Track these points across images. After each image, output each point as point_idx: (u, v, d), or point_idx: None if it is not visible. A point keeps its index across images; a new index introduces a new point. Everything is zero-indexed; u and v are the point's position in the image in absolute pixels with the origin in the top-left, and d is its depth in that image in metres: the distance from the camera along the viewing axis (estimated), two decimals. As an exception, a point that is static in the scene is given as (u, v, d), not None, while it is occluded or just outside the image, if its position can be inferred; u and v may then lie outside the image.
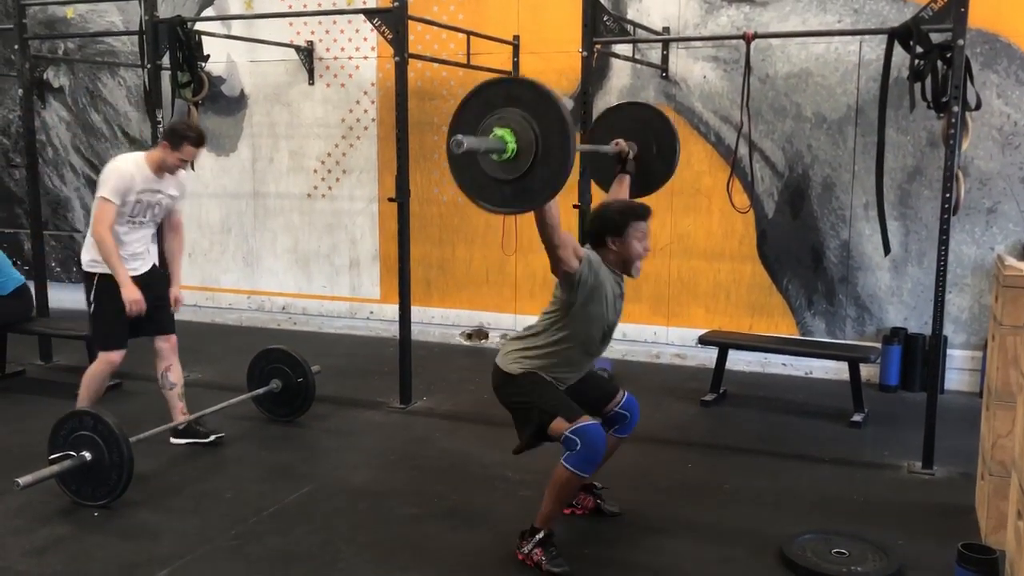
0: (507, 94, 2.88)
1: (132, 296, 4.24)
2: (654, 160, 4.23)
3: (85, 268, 4.43)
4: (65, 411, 3.94)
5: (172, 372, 4.61)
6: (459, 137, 2.69)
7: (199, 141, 4.37)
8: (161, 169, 4.37)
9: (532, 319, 6.53)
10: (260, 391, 4.96)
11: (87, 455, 3.79)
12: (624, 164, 4.08)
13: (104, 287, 4.35)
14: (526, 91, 2.87)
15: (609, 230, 3.39)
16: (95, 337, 4.51)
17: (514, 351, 3.47)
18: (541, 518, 3.34)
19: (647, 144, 4.21)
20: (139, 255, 4.48)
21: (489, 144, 2.80)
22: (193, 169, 6.76)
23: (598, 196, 4.71)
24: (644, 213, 3.44)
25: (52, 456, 3.82)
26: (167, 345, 4.61)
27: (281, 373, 5.00)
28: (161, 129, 5.63)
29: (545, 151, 2.80)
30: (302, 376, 5.01)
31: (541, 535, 3.33)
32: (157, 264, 4.72)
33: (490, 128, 2.84)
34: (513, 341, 3.55)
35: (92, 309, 4.43)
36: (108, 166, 4.32)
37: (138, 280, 4.35)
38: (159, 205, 4.47)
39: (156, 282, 4.54)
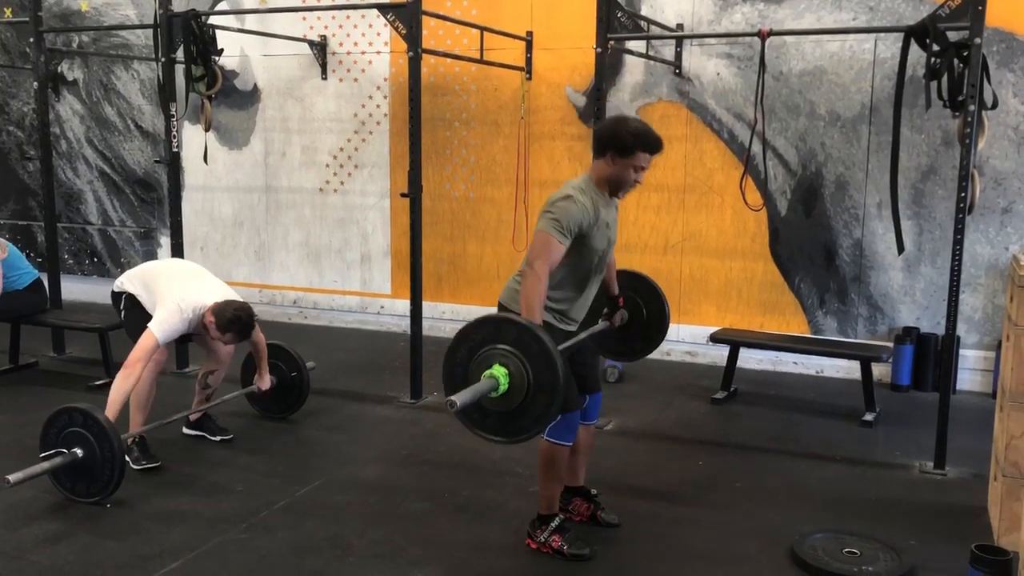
0: (498, 331, 2.92)
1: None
2: (644, 327, 3.97)
3: (115, 288, 4.54)
4: (75, 403, 3.95)
5: (214, 376, 4.66)
6: (452, 399, 2.76)
7: (242, 336, 4.28)
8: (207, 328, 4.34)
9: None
10: (253, 388, 4.85)
11: (78, 452, 3.76)
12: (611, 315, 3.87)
13: (132, 302, 4.45)
14: (515, 330, 2.90)
15: (615, 146, 3.26)
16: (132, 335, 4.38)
17: (517, 287, 3.38)
18: (544, 502, 3.38)
19: (637, 311, 3.95)
20: None
21: (481, 389, 2.85)
22: (206, 163, 6.84)
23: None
24: (655, 146, 3.29)
25: (43, 454, 3.80)
26: (225, 350, 4.62)
27: (276, 369, 4.92)
28: (175, 123, 5.66)
29: (537, 384, 2.86)
30: (296, 371, 4.96)
31: (556, 522, 3.36)
32: None
33: (485, 364, 2.90)
34: (516, 278, 3.46)
35: (125, 315, 4.50)
36: (170, 307, 4.18)
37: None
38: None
39: None
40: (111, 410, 3.90)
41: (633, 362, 4.25)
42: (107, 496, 3.80)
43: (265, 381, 4.77)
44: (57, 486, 3.86)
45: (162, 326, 4.13)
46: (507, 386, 2.85)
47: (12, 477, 3.56)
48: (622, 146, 3.25)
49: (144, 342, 4.09)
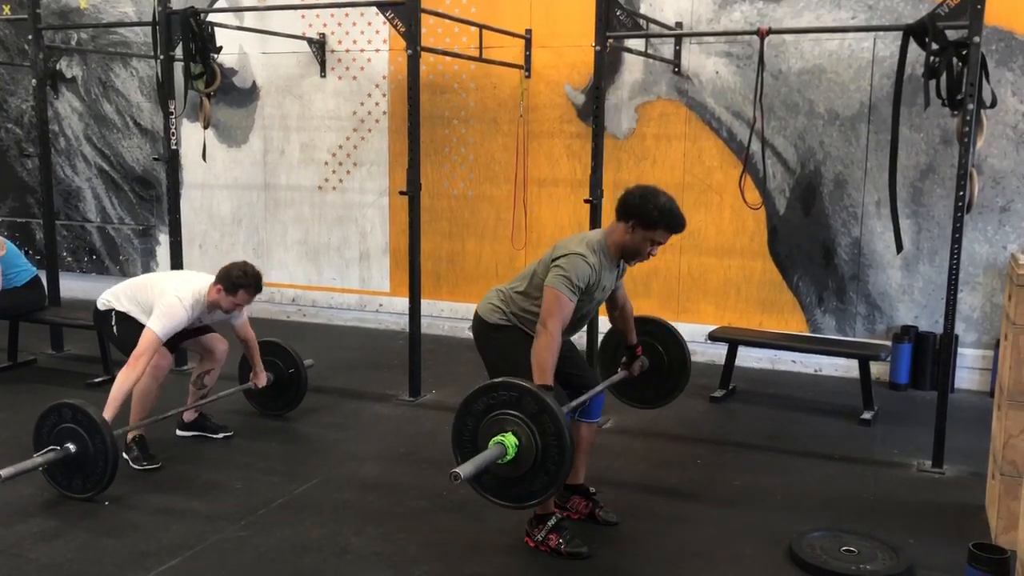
0: (514, 399, 2.96)
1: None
2: (665, 376, 4.03)
3: (99, 307, 4.45)
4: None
5: (209, 376, 4.63)
6: (456, 471, 2.80)
7: (256, 288, 4.28)
8: (215, 308, 4.31)
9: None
10: (249, 385, 4.84)
11: (71, 447, 3.74)
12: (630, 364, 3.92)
13: (123, 317, 4.37)
14: (535, 403, 2.93)
15: (639, 218, 3.32)
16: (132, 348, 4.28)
17: (499, 304, 3.49)
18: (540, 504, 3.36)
19: (658, 357, 4.01)
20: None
21: (488, 457, 2.89)
22: (205, 160, 6.83)
23: (609, 191, 4.71)
24: (678, 227, 3.39)
25: (37, 453, 3.78)
26: (222, 347, 4.61)
27: (273, 367, 4.90)
28: (173, 120, 5.66)
29: (545, 454, 2.90)
30: (293, 367, 4.94)
31: (553, 521, 3.36)
32: None
33: (497, 428, 2.94)
34: (498, 292, 3.54)
35: (117, 332, 4.40)
36: (168, 301, 4.15)
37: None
38: (211, 317, 4.43)
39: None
40: (111, 406, 3.87)
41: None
42: (101, 491, 3.78)
43: (261, 378, 4.76)
44: (52, 483, 3.86)
45: (162, 320, 4.09)
46: (513, 456, 2.91)
47: (4, 472, 3.54)
48: (648, 220, 3.32)
49: (146, 337, 4.05)
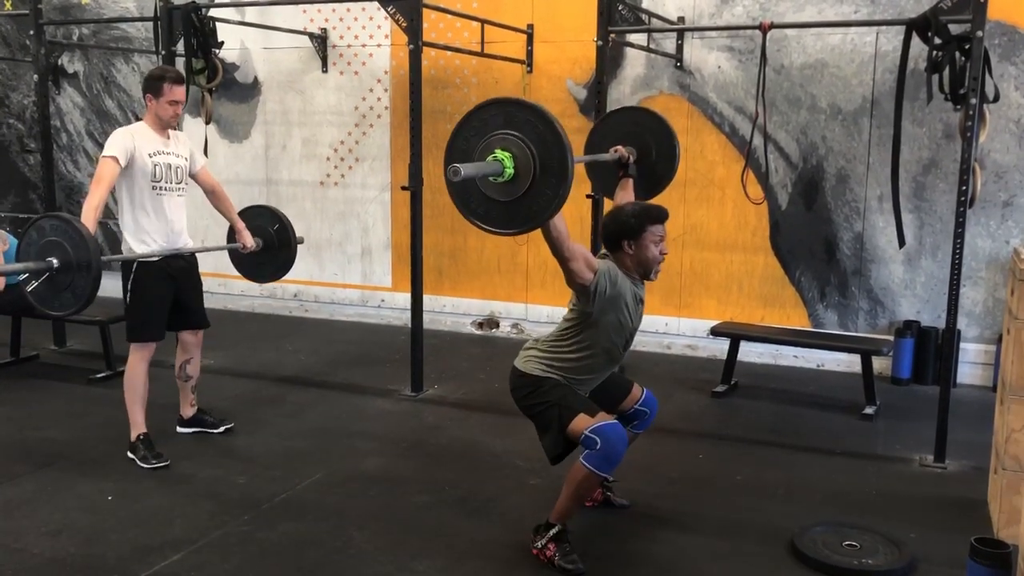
0: (504, 116, 2.86)
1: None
2: (655, 162, 4.16)
3: (125, 254, 4.29)
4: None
5: (191, 365, 4.58)
6: (455, 166, 2.70)
7: (177, 77, 4.22)
8: (161, 124, 4.25)
9: (543, 308, 6.56)
10: (237, 245, 4.71)
11: (54, 261, 3.67)
12: (626, 168, 4.02)
13: (142, 276, 4.25)
14: (523, 112, 2.84)
15: (625, 234, 3.31)
16: (130, 328, 4.31)
17: (535, 355, 3.40)
18: (556, 513, 3.30)
19: (646, 147, 4.14)
20: (181, 231, 4.36)
21: (486, 168, 2.79)
22: (206, 155, 6.81)
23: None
24: (660, 216, 3.35)
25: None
26: (194, 339, 4.56)
27: (260, 231, 4.77)
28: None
29: (543, 170, 2.79)
30: (278, 223, 4.82)
31: (555, 530, 3.28)
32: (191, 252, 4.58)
33: (488, 150, 2.84)
34: (534, 344, 3.47)
35: (128, 299, 4.29)
36: (109, 137, 4.18)
37: (171, 266, 4.30)
38: (180, 169, 4.33)
39: (190, 274, 4.46)
40: (85, 219, 3.84)
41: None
42: (81, 308, 3.73)
43: (245, 237, 4.66)
44: (41, 305, 3.83)
45: (110, 147, 4.07)
46: (512, 170, 2.80)
47: None
48: (630, 231, 3.31)
49: (100, 168, 4.05)
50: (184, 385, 4.61)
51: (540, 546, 3.32)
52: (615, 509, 3.78)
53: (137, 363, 4.28)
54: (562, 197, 2.80)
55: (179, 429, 4.65)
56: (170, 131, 4.34)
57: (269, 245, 4.82)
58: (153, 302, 4.27)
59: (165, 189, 4.27)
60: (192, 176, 4.47)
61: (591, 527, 3.59)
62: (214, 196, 4.62)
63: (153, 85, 4.19)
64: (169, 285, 4.32)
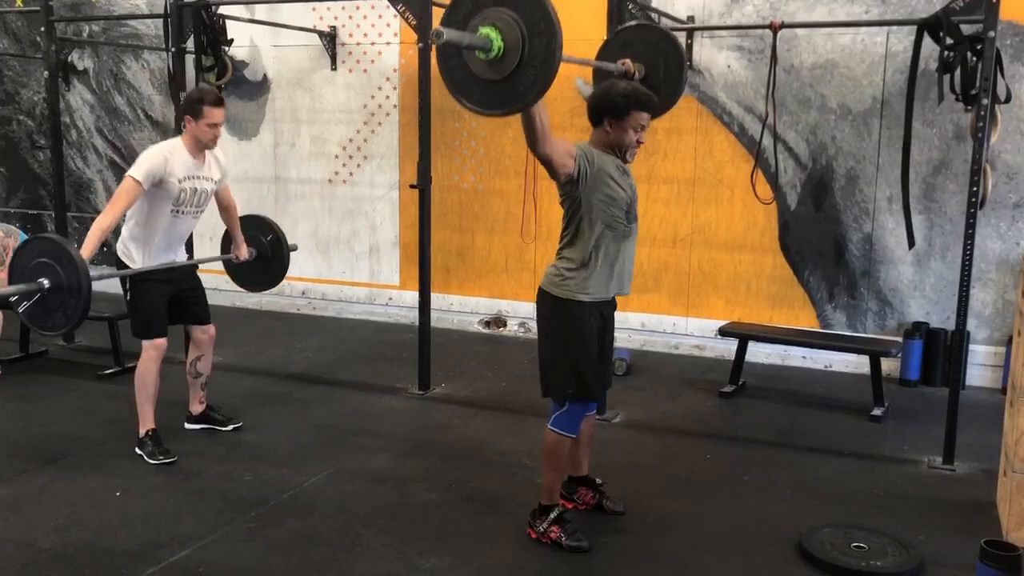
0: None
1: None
2: (661, 83, 4.09)
3: (121, 258, 4.30)
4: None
5: (202, 363, 4.59)
6: (439, 28, 2.66)
7: (216, 100, 4.18)
8: (199, 146, 4.22)
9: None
10: (231, 256, 4.78)
11: (45, 282, 3.67)
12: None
13: (138, 279, 4.25)
14: None
15: (609, 111, 3.26)
16: (136, 327, 4.33)
17: (555, 269, 3.35)
18: (545, 492, 3.38)
19: (655, 66, 4.11)
20: (175, 248, 4.39)
21: (472, 40, 2.75)
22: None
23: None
24: (649, 104, 3.29)
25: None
26: (205, 336, 4.56)
27: (255, 240, 4.84)
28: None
29: (531, 51, 2.76)
30: (272, 234, 4.88)
31: (556, 513, 3.35)
32: (187, 256, 4.65)
33: (476, 28, 2.79)
34: (555, 260, 3.41)
35: (128, 298, 4.31)
36: (144, 152, 4.16)
37: (168, 274, 4.30)
38: (205, 193, 4.32)
39: (186, 275, 4.46)
40: (88, 245, 3.86)
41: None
42: (72, 327, 3.74)
43: (243, 250, 4.73)
44: (32, 325, 3.82)
45: (140, 164, 4.03)
46: (501, 47, 2.76)
47: None
48: (616, 110, 3.26)
49: (124, 183, 4.02)
50: (194, 382, 4.62)
51: (543, 530, 3.35)
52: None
53: (149, 361, 4.28)
54: (549, 77, 2.77)
55: (187, 426, 4.66)
56: (207, 152, 4.31)
57: (263, 255, 4.90)
58: (153, 301, 4.29)
59: (183, 212, 4.27)
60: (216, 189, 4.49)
61: (598, 527, 3.58)
62: (227, 213, 4.68)
63: (192, 107, 4.15)
64: (166, 286, 4.33)
